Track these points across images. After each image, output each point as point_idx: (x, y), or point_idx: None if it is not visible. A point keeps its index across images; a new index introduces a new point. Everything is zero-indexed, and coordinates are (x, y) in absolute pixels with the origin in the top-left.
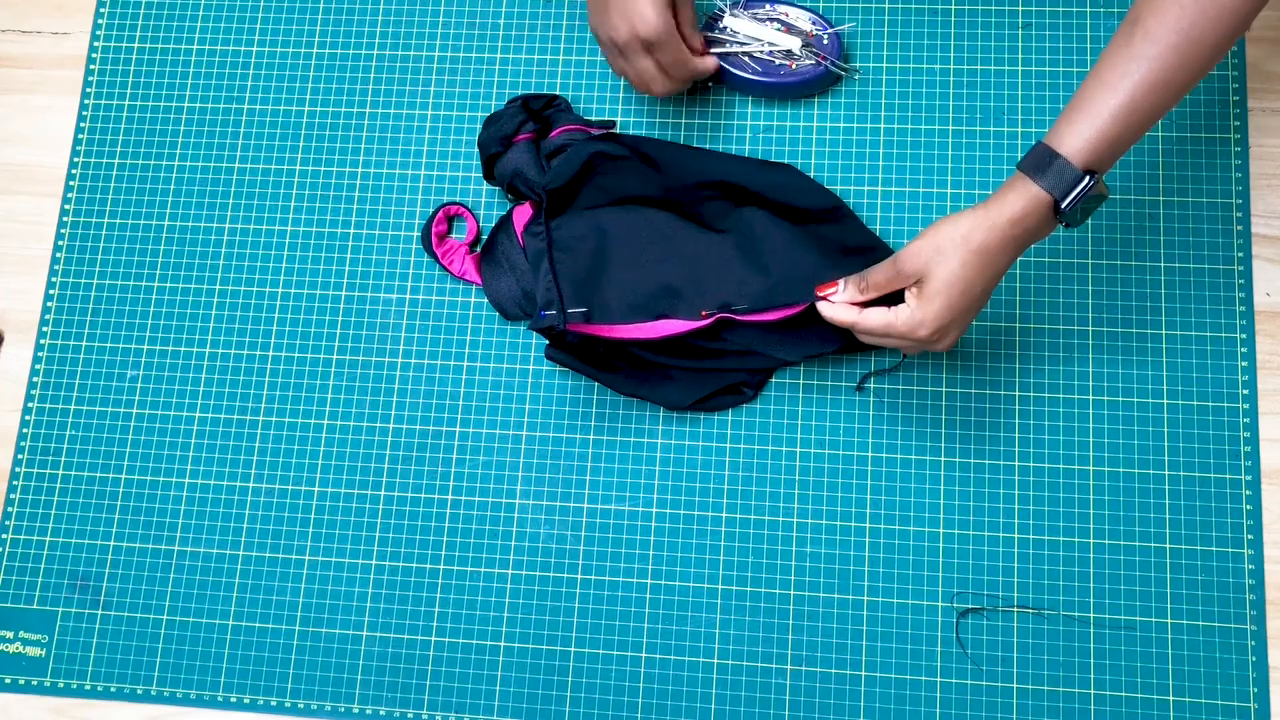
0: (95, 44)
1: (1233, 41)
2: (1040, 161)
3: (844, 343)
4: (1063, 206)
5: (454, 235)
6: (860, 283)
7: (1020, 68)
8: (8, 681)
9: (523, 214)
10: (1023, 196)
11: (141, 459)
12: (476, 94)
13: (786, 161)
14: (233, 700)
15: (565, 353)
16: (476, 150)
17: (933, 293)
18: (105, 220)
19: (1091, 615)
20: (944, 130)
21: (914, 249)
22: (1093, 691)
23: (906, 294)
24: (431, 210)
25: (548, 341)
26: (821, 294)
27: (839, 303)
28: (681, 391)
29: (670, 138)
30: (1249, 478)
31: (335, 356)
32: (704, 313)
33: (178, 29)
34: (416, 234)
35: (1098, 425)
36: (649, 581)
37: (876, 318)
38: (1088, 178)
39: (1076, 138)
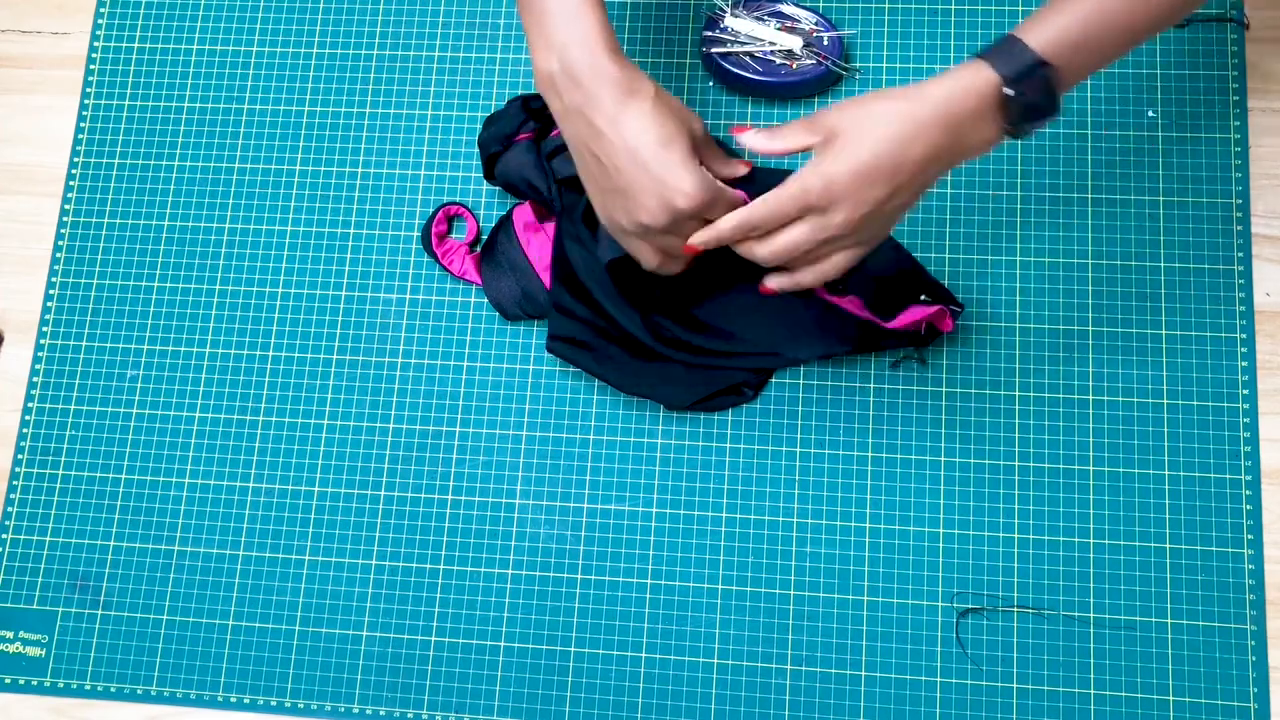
0: (95, 44)
1: None
2: (996, 46)
3: (857, 343)
4: (1008, 91)
5: (454, 235)
6: (771, 131)
7: None
8: (8, 681)
9: (523, 214)
10: (968, 72)
11: (141, 459)
12: (476, 94)
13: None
14: (233, 700)
15: (568, 346)
16: (476, 150)
17: (840, 148)
18: (105, 220)
19: (1091, 615)
20: None
21: (837, 105)
22: (1093, 691)
23: (814, 155)
24: (431, 210)
25: (549, 335)
26: (735, 131)
27: (748, 145)
28: (682, 391)
29: None
30: (1249, 478)
31: (335, 356)
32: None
33: (178, 29)
34: (416, 234)
35: (1098, 425)
36: (649, 581)
37: (764, 199)
38: (1043, 68)
39: (1039, 26)
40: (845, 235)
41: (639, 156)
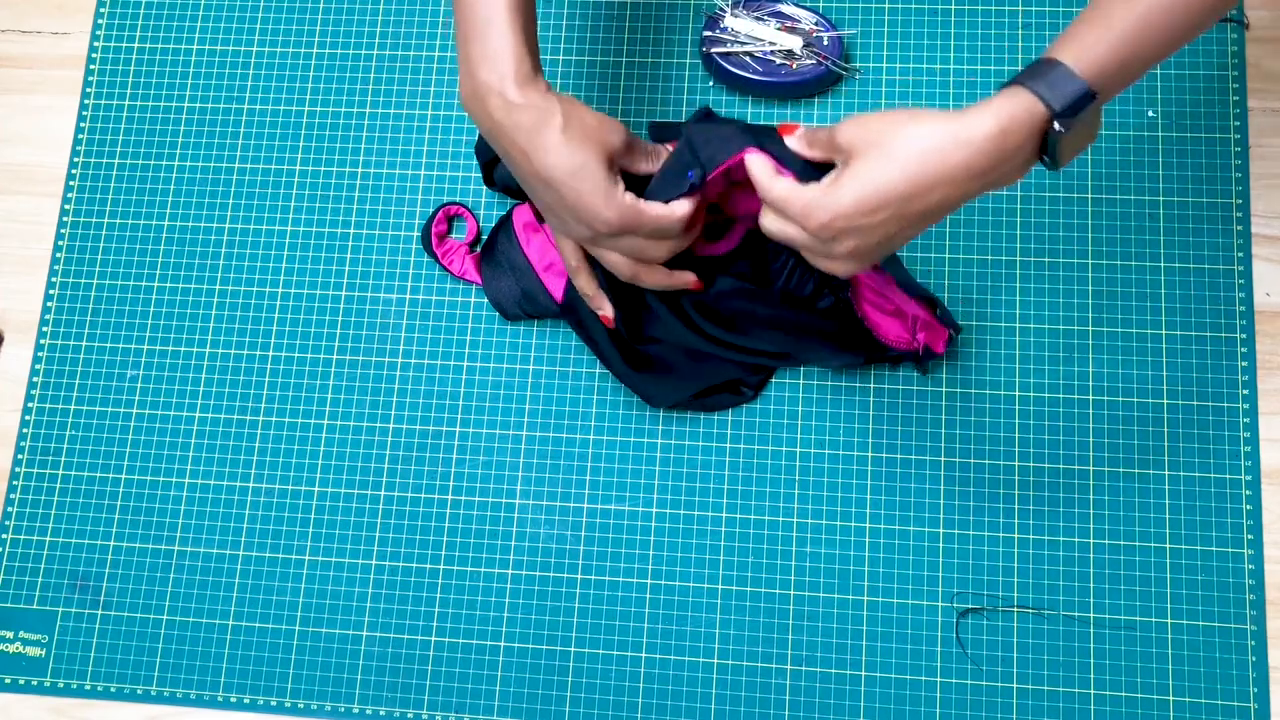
0: (95, 44)
1: None
2: (1037, 71)
3: (869, 353)
4: (1056, 124)
5: (454, 235)
6: (810, 134)
7: (1020, 68)
8: (8, 681)
9: (522, 214)
10: (1011, 105)
11: (141, 459)
12: None
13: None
14: (233, 700)
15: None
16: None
17: (850, 177)
18: (105, 220)
19: (1091, 615)
20: None
21: (861, 119)
22: (1093, 691)
23: (831, 175)
24: (431, 210)
25: (561, 295)
26: (782, 132)
27: (789, 145)
28: (668, 390)
29: None
30: (1249, 478)
31: (335, 356)
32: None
33: (178, 29)
34: (416, 234)
35: (1098, 425)
36: (649, 581)
37: (783, 185)
38: (1090, 95)
39: (1082, 49)
40: (838, 259)
41: (552, 186)
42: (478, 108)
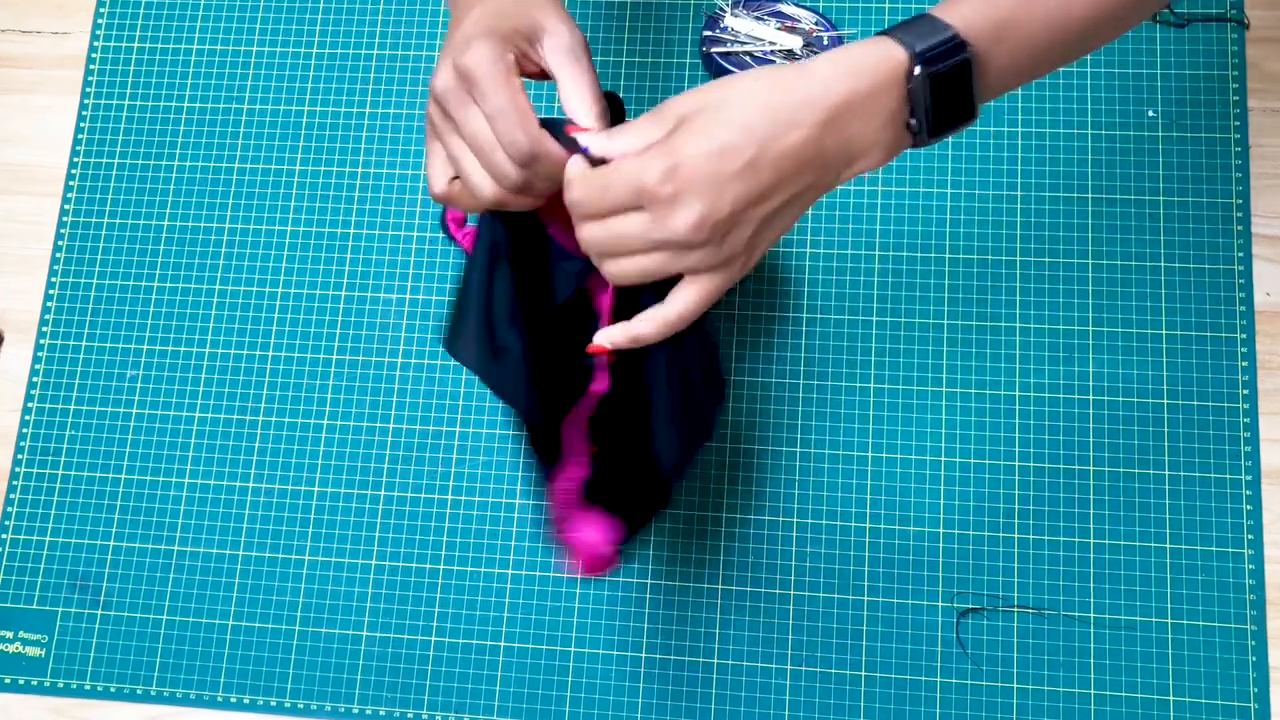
0: (95, 44)
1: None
2: (905, 22)
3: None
4: (917, 70)
5: (472, 221)
6: (612, 130)
7: None
8: (8, 681)
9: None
10: (866, 47)
11: (141, 459)
12: None
13: None
14: (233, 700)
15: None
16: None
17: (691, 129)
18: (105, 220)
19: (1091, 615)
20: None
21: (696, 88)
22: (1093, 691)
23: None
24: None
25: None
26: (569, 131)
27: (586, 145)
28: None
29: None
30: (1249, 478)
31: (335, 356)
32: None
33: (178, 29)
34: (416, 234)
35: (1098, 425)
36: (648, 581)
37: (605, 166)
38: (963, 50)
39: (959, 4)
40: (693, 245)
41: (458, 18)
42: None
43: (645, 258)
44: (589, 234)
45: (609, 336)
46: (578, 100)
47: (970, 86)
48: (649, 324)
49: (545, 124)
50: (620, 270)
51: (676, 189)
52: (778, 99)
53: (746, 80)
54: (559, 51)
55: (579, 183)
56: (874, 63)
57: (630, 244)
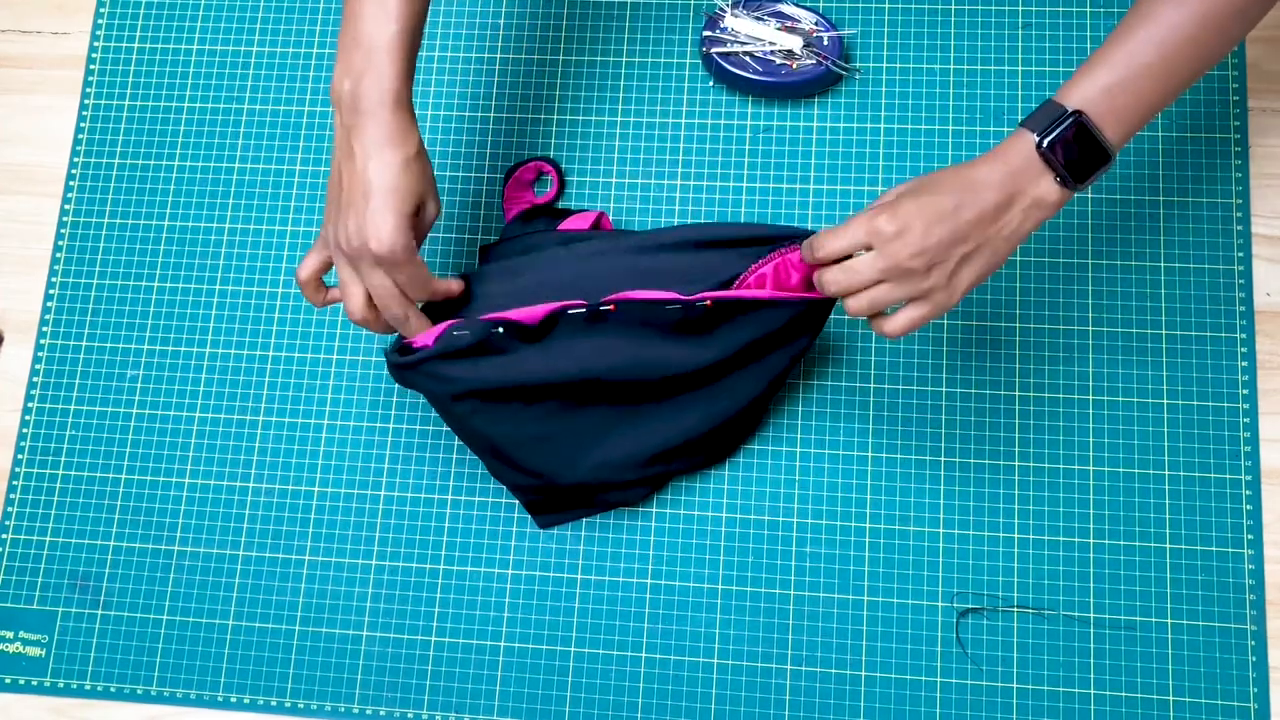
0: (95, 44)
1: (1249, 18)
2: (1037, 111)
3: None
4: (1041, 143)
5: (537, 189)
6: (834, 230)
7: (1020, 68)
8: (8, 681)
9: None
10: (1010, 139)
11: (141, 459)
12: (477, 93)
13: (786, 162)
14: (233, 700)
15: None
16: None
17: (898, 194)
18: (105, 220)
19: (1091, 615)
20: (944, 130)
21: (902, 186)
22: (1093, 691)
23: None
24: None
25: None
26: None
27: (816, 254)
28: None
29: (670, 138)
30: (1249, 478)
31: (335, 356)
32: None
33: (178, 29)
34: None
35: (1098, 425)
36: (649, 581)
37: (846, 228)
38: (1072, 116)
39: (1072, 85)
40: (911, 273)
41: (366, 190)
42: (348, 104)
43: (875, 290)
44: (830, 277)
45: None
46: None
47: (1094, 140)
48: (882, 321)
49: (537, 211)
50: (857, 304)
51: (898, 228)
52: (961, 179)
53: (933, 175)
54: (427, 222)
55: (821, 236)
56: (1017, 145)
57: (863, 277)
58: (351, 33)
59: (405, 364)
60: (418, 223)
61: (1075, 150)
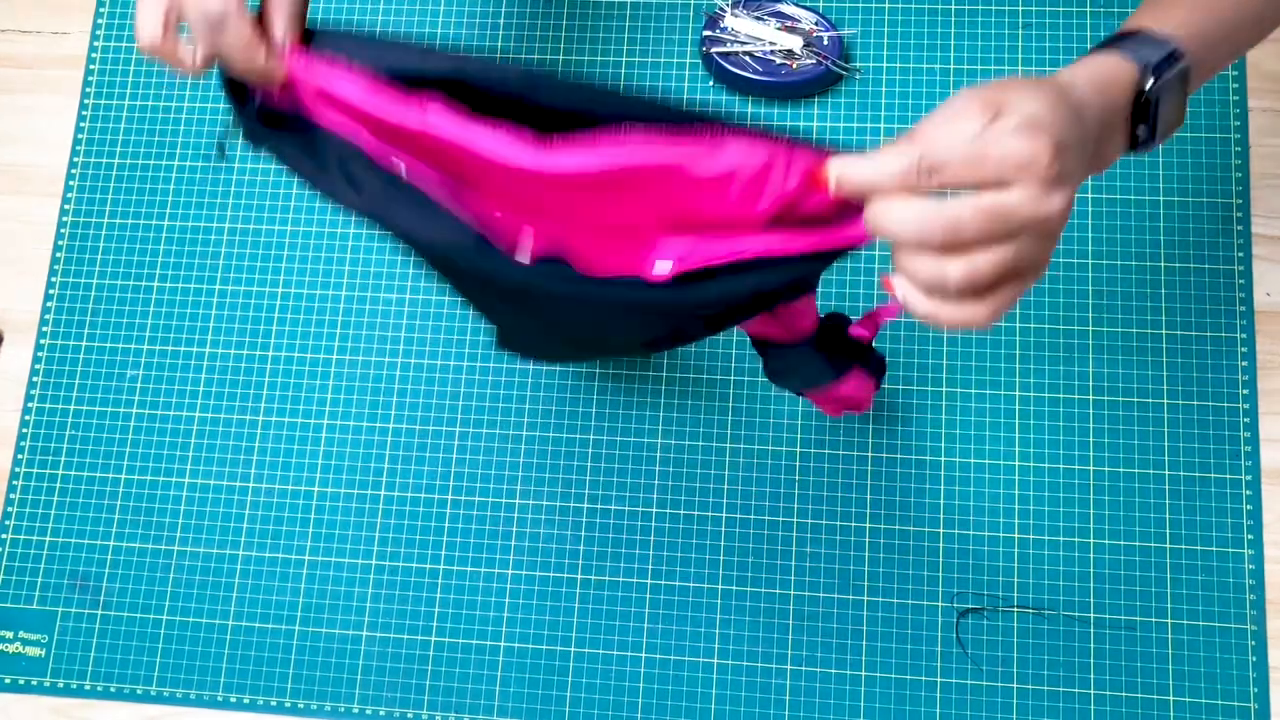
0: (95, 44)
1: None
2: (1121, 38)
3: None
4: (1147, 85)
5: None
6: (916, 161)
7: (1020, 68)
8: (8, 681)
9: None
10: (1099, 60)
11: (141, 459)
12: None
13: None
14: (233, 700)
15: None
16: None
17: (1024, 115)
18: (105, 220)
19: (1091, 615)
20: None
21: (966, 91)
22: (1093, 691)
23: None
24: None
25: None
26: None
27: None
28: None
29: None
30: (1249, 478)
31: (335, 356)
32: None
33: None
34: None
35: (1098, 425)
36: (649, 581)
37: (896, 147)
38: (1179, 58)
39: (1163, 14)
40: (1056, 231)
41: None
42: None
43: (1002, 248)
44: (922, 232)
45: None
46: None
47: (1184, 92)
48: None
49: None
50: (945, 312)
51: (1062, 169)
52: (1056, 94)
53: (1019, 78)
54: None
55: (860, 159)
56: (1110, 73)
57: (1009, 224)
58: None
59: (268, 117)
60: None
61: (1169, 98)
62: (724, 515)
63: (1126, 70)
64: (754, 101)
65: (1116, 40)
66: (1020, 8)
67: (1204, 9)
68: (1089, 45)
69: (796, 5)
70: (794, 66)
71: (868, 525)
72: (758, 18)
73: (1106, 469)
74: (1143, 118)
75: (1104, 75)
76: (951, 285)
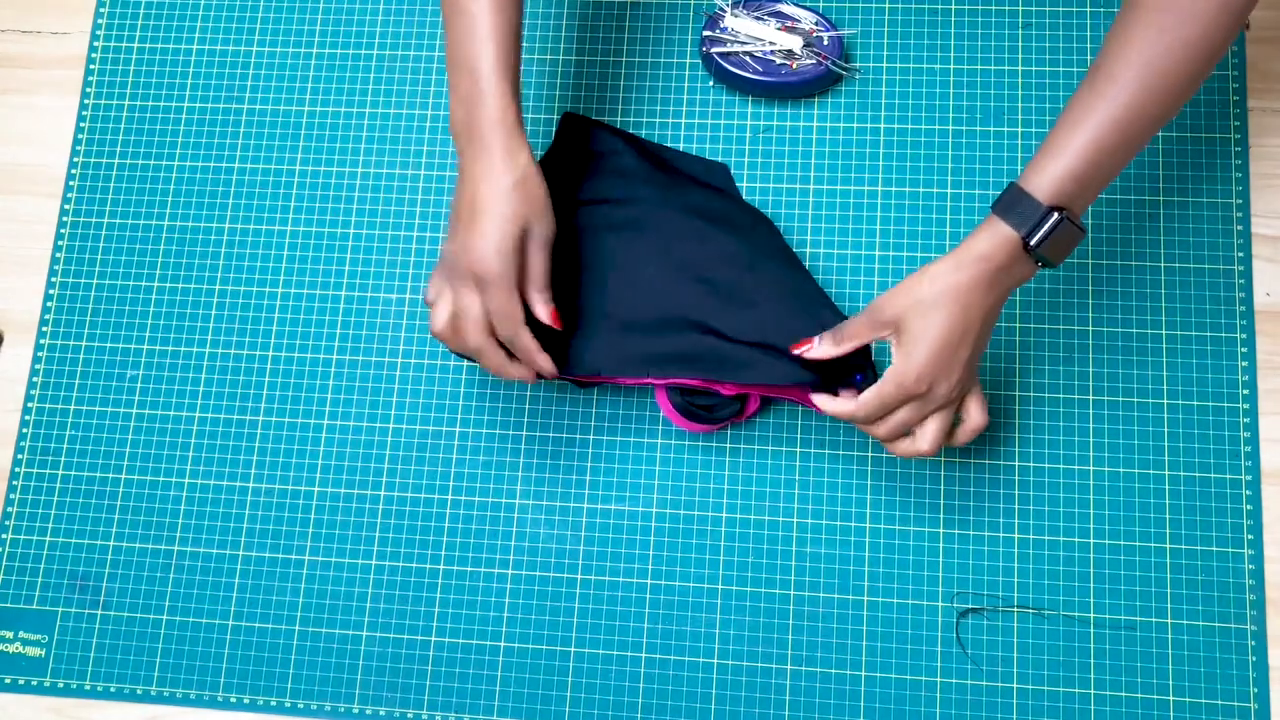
0: (95, 44)
1: (1202, 76)
2: (1010, 201)
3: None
4: (1030, 243)
5: None
6: (836, 335)
7: (1020, 68)
8: (8, 681)
9: None
10: (991, 235)
11: (141, 459)
12: None
13: (786, 162)
14: (232, 700)
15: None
16: None
17: (910, 340)
18: (105, 220)
19: (1091, 615)
20: (944, 130)
21: (888, 296)
22: (1093, 691)
23: (892, 350)
24: None
25: None
26: (797, 350)
27: (815, 357)
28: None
29: (670, 139)
30: (1249, 478)
31: (335, 356)
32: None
33: (178, 29)
34: (416, 234)
35: (1098, 425)
36: (649, 581)
37: (869, 395)
38: (1055, 215)
39: (1043, 176)
40: (948, 402)
41: (473, 212)
42: (463, 135)
43: (913, 424)
44: (883, 430)
45: (833, 407)
46: (538, 284)
47: (1074, 226)
48: (868, 396)
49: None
50: (899, 447)
51: (930, 384)
52: (952, 299)
53: (923, 285)
54: (538, 242)
55: (870, 404)
56: (1000, 243)
57: (908, 423)
58: (454, 56)
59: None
60: (527, 245)
61: (1055, 241)
62: (724, 515)
63: (1013, 238)
64: (754, 101)
65: (1007, 204)
66: (1020, 8)
67: (1082, 163)
68: (1089, 45)
69: (796, 5)
70: (794, 66)
71: (868, 525)
72: (758, 18)
73: (1106, 469)
74: (1038, 259)
75: (993, 247)
76: (881, 437)
